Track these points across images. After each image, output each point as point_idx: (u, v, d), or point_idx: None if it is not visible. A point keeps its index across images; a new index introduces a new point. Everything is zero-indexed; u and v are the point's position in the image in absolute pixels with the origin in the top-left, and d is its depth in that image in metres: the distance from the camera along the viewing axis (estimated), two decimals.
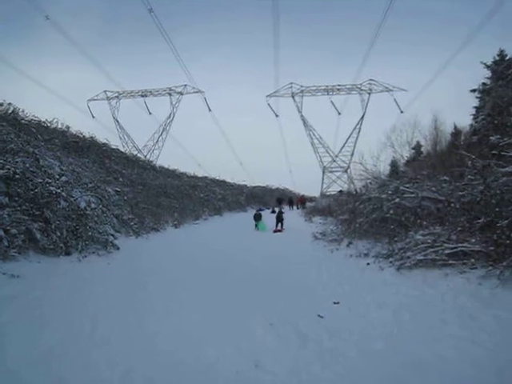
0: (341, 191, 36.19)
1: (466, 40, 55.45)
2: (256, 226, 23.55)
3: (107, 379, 4.92)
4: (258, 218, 23.99)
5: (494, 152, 10.77)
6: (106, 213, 15.88)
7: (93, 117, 56.65)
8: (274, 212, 29.51)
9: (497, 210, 8.80)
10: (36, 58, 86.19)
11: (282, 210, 25.32)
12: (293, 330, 6.55)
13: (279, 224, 22.94)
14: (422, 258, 9.41)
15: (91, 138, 25.89)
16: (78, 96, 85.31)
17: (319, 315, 7.23)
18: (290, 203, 40.19)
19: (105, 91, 57.63)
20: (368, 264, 10.75)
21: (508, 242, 8.02)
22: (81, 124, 57.01)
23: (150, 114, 57.57)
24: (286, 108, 74.94)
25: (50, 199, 11.89)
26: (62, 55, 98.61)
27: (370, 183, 18.00)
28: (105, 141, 27.13)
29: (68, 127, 24.58)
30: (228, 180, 43.85)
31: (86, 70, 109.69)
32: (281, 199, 40.47)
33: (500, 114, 16.79)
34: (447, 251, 9.11)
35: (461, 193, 10.67)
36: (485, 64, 20.39)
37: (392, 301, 7.76)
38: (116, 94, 57.75)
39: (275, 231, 22.25)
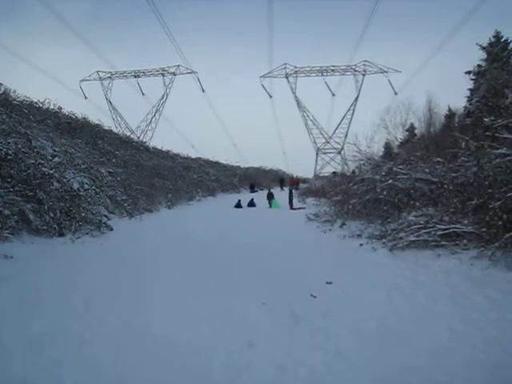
0: (334, 173, 36.19)
1: (461, 22, 55.20)
2: (270, 204, 25.64)
3: (101, 360, 4.95)
4: (270, 196, 26.21)
5: (487, 134, 10.80)
6: (99, 194, 15.85)
7: (85, 97, 56.15)
8: (254, 191, 36.78)
9: (489, 191, 8.85)
10: (27, 38, 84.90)
11: (293, 191, 26.51)
12: (285, 309, 6.57)
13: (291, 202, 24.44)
14: (414, 238, 9.48)
15: (84, 118, 25.67)
16: (70, 76, 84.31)
17: (312, 295, 7.27)
18: (281, 183, 39.85)
19: (97, 71, 56.96)
20: (361, 245, 10.82)
21: (500, 223, 8.09)
22: (73, 105, 56.39)
23: (143, 94, 57.09)
24: (280, 89, 74.37)
25: (43, 180, 11.84)
26: (53, 35, 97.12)
27: (364, 164, 18.02)
28: (98, 122, 26.95)
29: (60, 108, 24.35)
30: (221, 161, 43.74)
31: (77, 50, 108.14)
32: (282, 179, 40.37)
33: (494, 95, 16.79)
34: (440, 232, 9.19)
35: (454, 174, 10.72)
36: (480, 46, 20.36)
37: (385, 281, 7.82)
38: (108, 75, 57.10)
39: (293, 209, 23.51)
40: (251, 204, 26.08)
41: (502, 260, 7.45)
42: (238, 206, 25.55)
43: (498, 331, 5.29)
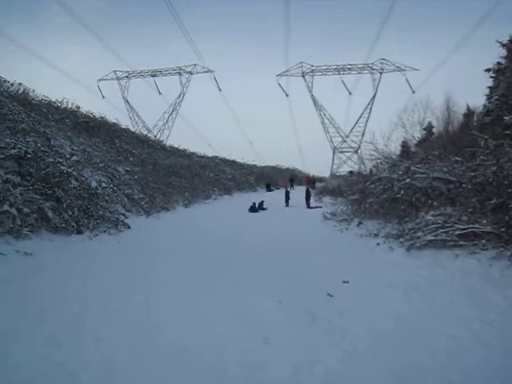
0: (351, 172, 35.99)
1: (480, 19, 54.22)
2: (286, 203, 25.71)
3: (117, 356, 5.00)
4: (287, 195, 26.00)
5: (507, 132, 10.64)
6: (116, 192, 16.00)
7: (103, 97, 56.74)
8: (271, 190, 36.98)
9: (509, 190, 8.74)
10: (45, 38, 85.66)
11: (310, 190, 26.37)
12: (302, 308, 6.58)
13: (309, 201, 24.68)
14: (432, 238, 9.39)
15: (101, 117, 25.84)
16: (87, 76, 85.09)
17: (329, 294, 7.25)
18: (291, 183, 39.30)
19: (114, 71, 57.49)
20: (378, 244, 10.75)
21: None
22: (91, 104, 56.66)
23: (160, 93, 57.46)
24: (297, 88, 74.15)
25: (62, 178, 12.00)
26: (71, 35, 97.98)
27: (381, 163, 17.87)
28: (115, 121, 27.10)
29: (78, 107, 24.54)
30: (238, 160, 43.77)
31: (95, 50, 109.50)
32: (292, 179, 40.09)
33: None
34: (458, 232, 9.08)
35: (472, 173, 10.58)
36: (500, 43, 19.97)
37: (402, 280, 7.77)
38: (126, 74, 57.60)
39: (310, 208, 23.78)
40: (261, 207, 24.15)
41: None
42: (253, 210, 23.44)
43: None
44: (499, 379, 4.24)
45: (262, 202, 24.76)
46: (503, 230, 8.37)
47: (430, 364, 4.64)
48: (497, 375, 4.31)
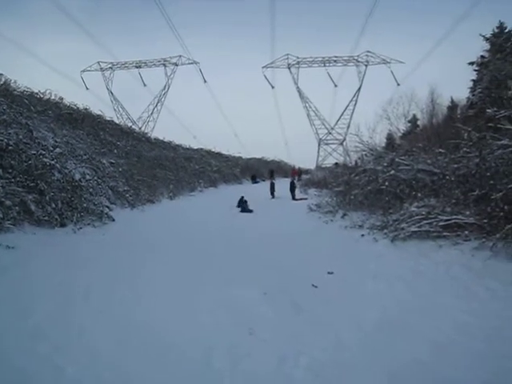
0: (336, 164, 36.12)
1: (465, 13, 54.77)
2: (272, 194, 25.33)
3: (102, 348, 4.97)
4: (272, 187, 25.66)
5: (490, 125, 10.74)
6: (100, 184, 15.86)
7: (87, 88, 55.81)
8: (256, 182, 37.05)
9: (491, 182, 8.84)
10: (27, 28, 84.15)
11: (294, 182, 26.29)
12: (287, 299, 6.60)
13: (294, 193, 24.50)
14: (416, 229, 9.48)
15: (85, 109, 25.49)
16: (71, 67, 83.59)
17: (313, 285, 7.30)
18: (271, 175, 38.93)
19: (98, 62, 56.60)
20: (362, 235, 10.83)
21: (501, 214, 8.09)
22: (74, 95, 55.87)
23: (145, 85, 56.81)
24: (282, 80, 74.00)
25: (45, 171, 11.84)
26: (54, 25, 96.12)
27: (366, 155, 17.95)
28: (99, 112, 26.79)
29: (61, 98, 24.17)
30: (223, 152, 43.55)
31: (78, 40, 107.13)
32: (272, 171, 39.76)
33: (498, 87, 16.68)
34: (441, 223, 9.18)
35: (456, 165, 10.69)
36: (484, 36, 20.17)
37: (386, 271, 7.84)
38: (110, 65, 56.77)
39: (295, 199, 23.63)
40: (244, 207, 20.22)
41: (503, 251, 7.45)
42: (244, 209, 19.94)
43: (498, 322, 5.31)
44: (485, 370, 4.29)
45: (245, 201, 20.58)
46: (485, 221, 8.47)
47: (415, 355, 4.68)
48: (482, 366, 4.37)
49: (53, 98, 23.50)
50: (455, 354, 4.63)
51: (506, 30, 20.21)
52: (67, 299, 6.45)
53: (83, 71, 56.42)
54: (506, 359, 4.42)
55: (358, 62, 53.71)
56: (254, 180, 37.53)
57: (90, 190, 14.57)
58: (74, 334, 5.32)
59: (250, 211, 19.23)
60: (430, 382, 4.16)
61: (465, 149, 10.95)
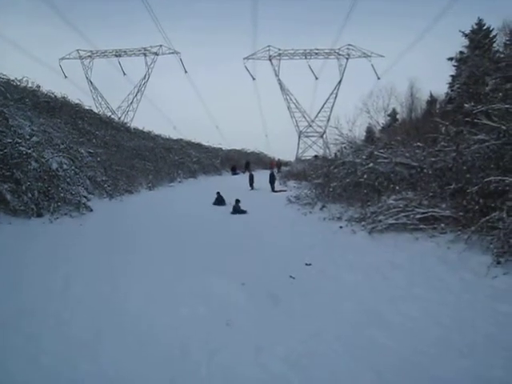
0: (316, 156, 36.25)
1: (445, 8, 55.14)
2: (251, 186, 24.89)
3: (79, 339, 4.94)
4: (251, 179, 25.27)
5: (467, 119, 10.88)
6: (78, 174, 15.65)
7: (65, 76, 54.86)
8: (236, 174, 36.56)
9: (467, 176, 8.98)
10: (3, 15, 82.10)
11: (274, 174, 25.87)
12: (264, 290, 6.64)
13: (273, 185, 24.12)
14: (393, 222, 9.59)
15: (63, 98, 25.13)
16: (49, 55, 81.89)
17: (291, 276, 7.34)
18: (247, 167, 38.64)
19: (77, 50, 55.55)
20: (341, 227, 10.90)
21: (476, 207, 8.24)
22: (52, 84, 54.73)
23: (125, 74, 55.99)
24: (264, 72, 73.85)
25: (21, 160, 11.62)
26: (31, 12, 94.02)
27: (345, 148, 18.07)
28: (77, 101, 26.41)
29: (39, 86, 23.81)
30: (203, 143, 43.30)
31: (57, 27, 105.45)
32: (248, 163, 39.48)
33: (475, 83, 16.92)
34: (418, 216, 9.31)
35: (433, 159, 10.82)
36: (463, 33, 20.38)
37: (363, 263, 7.93)
38: (89, 54, 55.82)
39: (275, 191, 23.25)
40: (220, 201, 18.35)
41: (477, 243, 7.59)
42: (219, 202, 18.28)
43: (471, 312, 5.43)
44: (454, 358, 4.39)
45: (222, 198, 18.40)
46: (461, 214, 8.62)
47: (388, 343, 4.76)
48: (452, 354, 4.46)
49: (30, 85, 23.16)
50: (429, 344, 4.71)
51: (485, 27, 20.47)
52: (43, 290, 6.40)
53: (62, 59, 55.38)
54: (477, 349, 4.52)
55: (339, 55, 53.82)
56: (234, 171, 37.35)
57: (68, 179, 14.38)
58: (51, 324, 5.28)
59: (243, 212, 15.54)
60: (405, 371, 4.22)
61: (442, 143, 11.09)
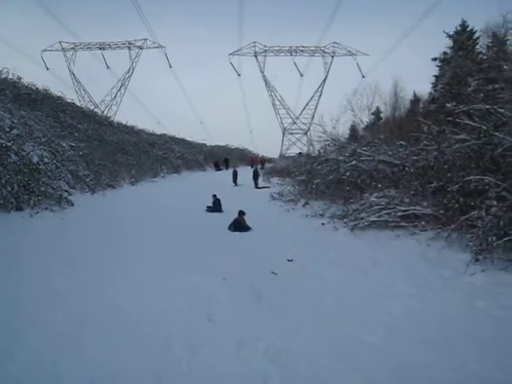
0: (300, 153, 36.30)
1: (431, 7, 55.47)
2: (234, 182, 24.66)
3: (60, 334, 4.91)
4: (235, 175, 24.98)
5: (449, 119, 11.00)
6: (60, 168, 15.47)
7: (47, 69, 54.04)
8: (220, 170, 35.88)
9: (448, 175, 9.08)
10: None
11: (258, 170, 25.90)
12: (246, 285, 6.66)
13: (257, 181, 24.05)
14: (375, 219, 9.67)
15: (45, 90, 24.80)
16: (30, 46, 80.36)
17: (273, 272, 7.37)
18: (226, 164, 38.40)
19: (60, 42, 54.81)
20: (323, 224, 10.95)
21: (457, 206, 8.35)
22: (34, 76, 53.90)
23: (108, 68, 55.41)
24: (249, 68, 73.76)
25: (0, 153, 11.44)
26: (12, 1, 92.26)
27: (329, 145, 18.11)
28: (60, 94, 26.08)
29: (20, 78, 23.45)
30: (187, 138, 43.09)
31: (39, 18, 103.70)
32: (227, 159, 39.31)
33: (458, 83, 17.12)
34: (400, 213, 9.40)
35: (415, 158, 10.93)
36: (447, 33, 20.59)
37: (345, 260, 7.98)
38: (72, 46, 55.02)
39: (258, 188, 23.23)
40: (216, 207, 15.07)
41: (457, 241, 7.70)
42: (215, 208, 14.99)
43: (450, 309, 5.50)
44: (435, 354, 4.44)
45: (219, 204, 15.13)
46: (442, 212, 8.73)
47: (369, 340, 4.80)
48: (433, 351, 4.51)
49: (10, 77, 22.80)
50: (409, 340, 4.76)
51: (468, 29, 20.69)
52: (22, 284, 6.34)
53: (44, 51, 54.53)
54: (457, 345, 4.58)
55: (325, 52, 53.94)
56: (218, 167, 37.20)
57: (49, 173, 14.20)
58: (28, 320, 5.23)
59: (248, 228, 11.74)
60: (382, 365, 4.26)
61: (425, 142, 11.21)
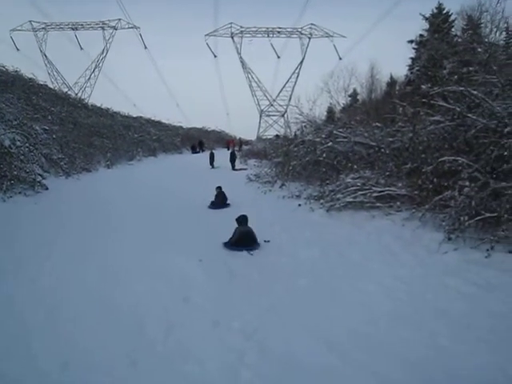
0: (277, 135, 36.31)
1: None
2: (211, 164, 24.28)
3: (32, 319, 4.88)
4: (212, 157, 24.62)
5: (424, 101, 11.09)
6: (33, 152, 15.20)
7: (17, 49, 52.62)
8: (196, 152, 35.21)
9: (423, 156, 9.18)
10: None
11: (235, 151, 25.71)
12: (222, 266, 6.70)
13: (234, 163, 23.80)
14: (351, 200, 9.75)
15: (16, 72, 24.18)
16: None
17: (249, 252, 7.41)
18: (200, 146, 38.23)
19: (30, 21, 53.19)
20: (299, 205, 10.99)
21: (431, 186, 8.46)
22: (3, 57, 52.55)
23: (82, 49, 54.15)
24: (226, 50, 72.83)
25: None
26: None
27: (305, 127, 18.14)
28: (31, 76, 25.48)
29: None
30: (163, 121, 42.67)
31: None
32: (201, 142, 39.13)
33: (434, 65, 17.23)
34: (375, 194, 9.49)
35: (391, 139, 11.02)
36: (423, 16, 20.65)
37: (321, 240, 8.04)
38: (43, 26, 53.50)
39: (235, 170, 22.91)
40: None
41: (431, 221, 7.83)
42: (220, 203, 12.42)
43: (422, 286, 5.61)
44: (406, 330, 4.54)
45: (224, 197, 12.59)
46: (416, 192, 8.85)
47: (341, 315, 4.89)
48: (404, 326, 4.61)
49: None
50: (380, 316, 4.85)
51: (444, 12, 20.78)
52: None
53: (13, 30, 52.88)
54: (428, 321, 4.69)
55: (302, 34, 53.70)
56: (194, 150, 36.92)
57: (21, 157, 13.94)
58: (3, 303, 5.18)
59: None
60: (355, 341, 4.34)
61: (400, 123, 11.30)
